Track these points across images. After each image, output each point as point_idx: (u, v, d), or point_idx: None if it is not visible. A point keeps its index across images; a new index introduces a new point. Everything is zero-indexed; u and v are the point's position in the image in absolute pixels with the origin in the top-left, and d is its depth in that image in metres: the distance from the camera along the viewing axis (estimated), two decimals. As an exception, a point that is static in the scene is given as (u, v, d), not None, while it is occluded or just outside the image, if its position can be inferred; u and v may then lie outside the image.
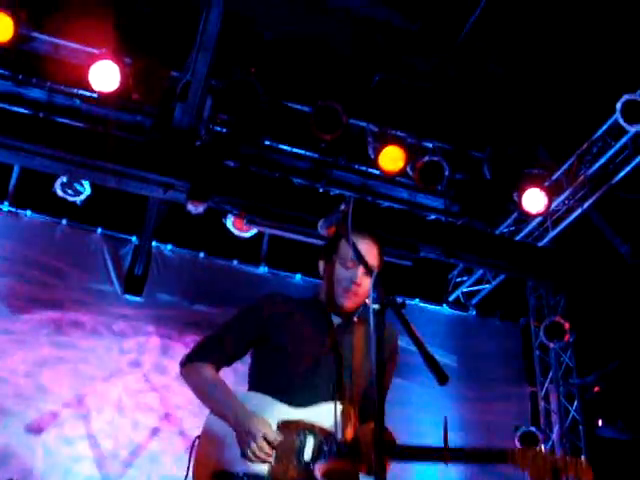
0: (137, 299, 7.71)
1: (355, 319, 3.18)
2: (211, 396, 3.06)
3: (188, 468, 2.94)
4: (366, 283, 3.03)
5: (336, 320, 3.15)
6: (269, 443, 2.84)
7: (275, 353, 3.10)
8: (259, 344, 3.16)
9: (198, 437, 3.02)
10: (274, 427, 2.90)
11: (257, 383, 3.11)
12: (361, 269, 3.02)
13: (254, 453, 2.83)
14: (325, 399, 2.95)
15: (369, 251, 3.09)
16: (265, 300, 3.22)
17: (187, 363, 3.16)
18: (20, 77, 6.88)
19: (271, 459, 2.84)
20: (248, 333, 3.16)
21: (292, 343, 3.07)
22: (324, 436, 2.87)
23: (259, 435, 2.83)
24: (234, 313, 3.24)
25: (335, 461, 2.84)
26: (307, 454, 2.84)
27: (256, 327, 3.15)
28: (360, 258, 2.82)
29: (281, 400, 2.97)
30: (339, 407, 2.92)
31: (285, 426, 2.90)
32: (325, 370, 3.03)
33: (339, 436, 2.87)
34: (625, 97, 6.77)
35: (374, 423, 2.29)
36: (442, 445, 2.82)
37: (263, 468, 2.83)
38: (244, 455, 2.85)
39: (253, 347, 3.19)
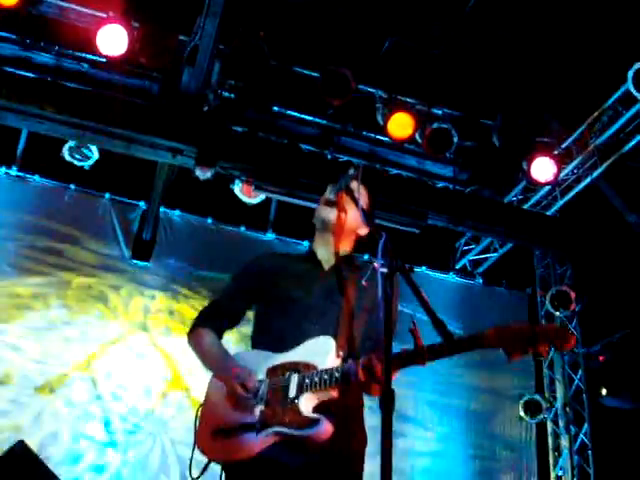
0: (145, 264, 7.75)
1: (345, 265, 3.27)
2: (209, 359, 3.21)
3: (195, 435, 3.05)
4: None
5: (328, 265, 3.28)
6: (245, 388, 2.93)
7: (269, 307, 3.24)
8: (257, 302, 3.31)
9: (201, 405, 3.15)
10: (263, 375, 3.00)
11: (254, 341, 3.26)
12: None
13: (237, 402, 2.95)
14: (311, 338, 3.03)
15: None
16: (256, 260, 3.42)
17: (191, 331, 3.33)
18: (28, 41, 6.84)
19: (255, 404, 2.93)
20: (243, 294, 3.33)
21: (283, 293, 3.21)
22: (307, 371, 2.93)
23: (237, 385, 2.94)
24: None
25: (317, 391, 2.88)
26: (292, 391, 2.91)
27: (249, 287, 3.32)
28: (369, 221, 2.84)
29: (271, 349, 3.09)
30: (325, 340, 2.99)
31: (272, 371, 3.01)
32: (314, 311, 3.13)
33: (324, 367, 2.90)
34: (637, 65, 6.70)
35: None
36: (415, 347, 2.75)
37: (255, 415, 2.93)
38: (234, 408, 2.97)
39: (254, 305, 3.32)
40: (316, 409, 2.90)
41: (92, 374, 7.14)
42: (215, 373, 3.17)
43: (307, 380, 2.90)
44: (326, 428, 2.84)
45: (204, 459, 3.04)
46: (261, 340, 3.21)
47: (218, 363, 3.15)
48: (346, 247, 3.32)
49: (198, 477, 2.99)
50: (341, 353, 2.96)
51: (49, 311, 7.26)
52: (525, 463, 8.29)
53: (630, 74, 6.72)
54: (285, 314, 3.16)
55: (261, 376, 3.02)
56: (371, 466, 2.84)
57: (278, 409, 2.91)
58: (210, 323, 3.30)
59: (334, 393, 2.90)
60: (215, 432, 3.00)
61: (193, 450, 3.02)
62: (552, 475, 8.21)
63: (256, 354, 3.15)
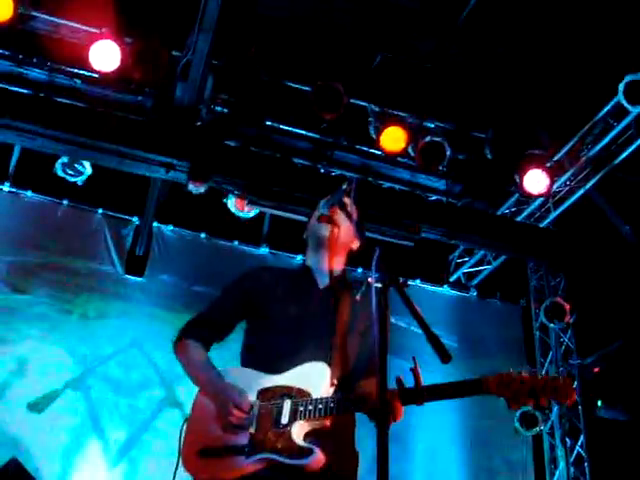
0: (138, 279, 7.72)
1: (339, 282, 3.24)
2: (196, 372, 3.15)
3: (179, 452, 2.99)
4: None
5: (322, 284, 3.22)
6: (241, 410, 2.88)
7: (260, 324, 3.17)
8: (247, 317, 3.24)
9: (186, 420, 3.07)
10: (254, 397, 2.94)
11: (243, 358, 3.18)
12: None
13: (228, 423, 2.89)
14: (306, 362, 2.97)
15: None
16: (248, 274, 3.35)
17: (177, 341, 3.26)
18: (20, 57, 6.83)
19: (246, 426, 2.88)
20: (233, 308, 3.26)
21: (275, 311, 3.14)
22: (300, 397, 2.88)
23: (230, 404, 2.88)
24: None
25: (310, 420, 2.84)
26: (284, 417, 2.86)
27: (240, 301, 3.25)
28: (363, 235, 2.85)
29: (262, 370, 3.01)
30: (320, 367, 2.94)
31: (264, 393, 2.94)
32: (306, 333, 3.07)
33: (317, 395, 2.87)
34: (628, 78, 6.74)
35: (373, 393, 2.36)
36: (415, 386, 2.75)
37: (244, 438, 2.87)
38: (224, 428, 2.91)
39: (245, 321, 3.25)
40: (307, 436, 2.85)
41: (85, 390, 7.10)
42: (203, 389, 3.10)
43: (301, 408, 2.85)
44: (319, 458, 2.79)
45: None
46: (251, 358, 3.14)
47: (207, 379, 3.09)
48: (339, 264, 3.29)
49: None
50: (335, 381, 2.92)
51: (40, 327, 7.21)
52: (521, 476, 8.25)
53: (621, 86, 6.76)
54: (277, 333, 3.10)
55: (252, 397, 2.95)
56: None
57: (269, 434, 2.85)
58: (197, 335, 3.23)
59: (327, 422, 2.86)
60: (201, 451, 2.93)
61: (177, 465, 2.97)
62: (548, 488, 8.19)
63: (245, 373, 3.07)
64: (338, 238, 3.21)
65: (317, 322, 3.10)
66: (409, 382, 2.78)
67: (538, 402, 2.68)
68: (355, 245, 3.28)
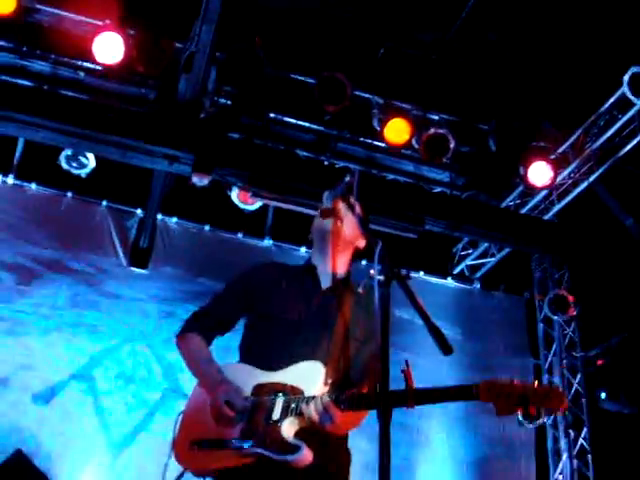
0: (142, 272, 7.73)
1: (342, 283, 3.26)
2: (196, 366, 3.19)
3: (172, 443, 3.05)
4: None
5: (325, 284, 3.23)
6: (232, 407, 2.92)
7: (260, 321, 3.20)
8: (248, 313, 3.26)
9: (181, 412, 3.13)
10: (249, 392, 2.98)
11: (242, 353, 3.21)
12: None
13: (221, 417, 2.93)
14: (302, 361, 3.01)
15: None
16: (252, 270, 3.37)
17: (179, 334, 3.28)
18: (24, 49, 6.83)
19: (238, 420, 2.92)
20: (235, 303, 3.30)
21: (276, 309, 3.17)
22: (294, 395, 2.91)
23: (222, 401, 2.92)
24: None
25: (300, 417, 2.87)
26: (276, 413, 2.90)
27: (243, 296, 3.28)
28: (366, 227, 2.85)
29: (259, 366, 3.06)
30: (315, 366, 2.97)
31: (259, 389, 3.00)
32: (306, 333, 3.09)
33: (310, 393, 2.89)
34: (633, 69, 6.72)
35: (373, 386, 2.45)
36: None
37: (235, 431, 2.93)
38: (216, 421, 2.96)
39: (245, 316, 3.28)
40: (298, 434, 2.88)
41: (91, 382, 7.12)
42: (200, 382, 3.16)
43: (292, 404, 2.89)
44: (305, 456, 2.83)
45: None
46: (250, 354, 3.18)
47: (205, 373, 3.14)
48: (344, 264, 3.28)
49: None
50: (329, 380, 2.95)
51: (46, 319, 7.24)
52: (524, 467, 8.27)
53: (626, 78, 6.73)
54: (277, 331, 3.13)
55: (247, 392, 3.00)
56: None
57: (260, 429, 2.90)
58: (200, 328, 3.27)
59: (306, 420, 2.88)
60: (193, 442, 2.99)
61: (169, 455, 3.03)
62: (551, 479, 8.20)
63: (243, 368, 3.11)
64: (341, 233, 3.20)
65: (317, 323, 3.12)
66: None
67: (527, 410, 2.68)
68: (361, 244, 3.26)
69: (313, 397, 2.87)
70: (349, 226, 3.18)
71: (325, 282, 3.25)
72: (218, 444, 2.93)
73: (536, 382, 2.74)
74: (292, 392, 2.93)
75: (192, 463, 2.99)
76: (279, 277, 3.30)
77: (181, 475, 3.05)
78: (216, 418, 2.97)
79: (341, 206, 3.15)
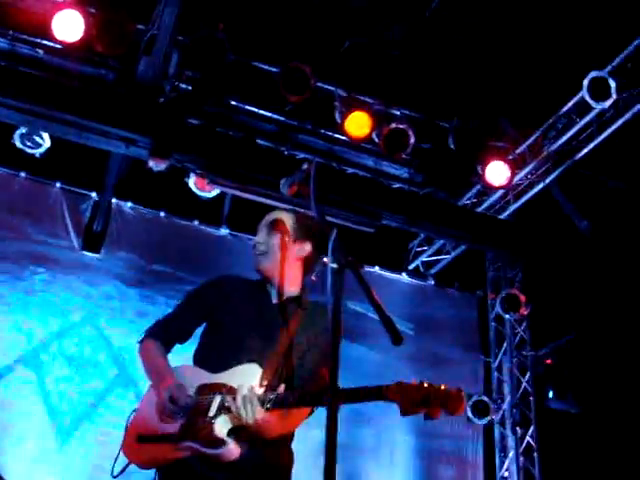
0: (95, 256, 7.61)
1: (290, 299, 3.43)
2: (150, 370, 3.41)
3: (123, 437, 3.28)
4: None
5: (275, 300, 3.43)
6: (175, 402, 3.10)
7: (212, 329, 3.44)
8: (205, 322, 3.50)
9: (134, 410, 3.36)
10: (193, 391, 3.18)
11: (195, 356, 3.43)
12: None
13: (162, 413, 3.15)
14: (241, 364, 3.19)
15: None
16: (209, 285, 3.58)
17: (141, 341, 3.52)
18: (-19, 25, 6.66)
19: (179, 417, 3.11)
20: (192, 316, 3.52)
21: (227, 319, 3.37)
22: (229, 394, 3.07)
23: (165, 396, 3.12)
24: (184, 295, 3.64)
25: (230, 415, 3.03)
26: (212, 411, 3.07)
27: (199, 310, 3.51)
28: (321, 216, 2.83)
29: (206, 369, 3.26)
30: (252, 368, 3.15)
31: (201, 389, 3.18)
32: (249, 342, 3.27)
33: (243, 393, 3.02)
34: (593, 74, 6.79)
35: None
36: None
37: (175, 426, 3.11)
38: (160, 418, 3.18)
39: (201, 325, 3.51)
40: (233, 431, 3.04)
41: (37, 367, 7.00)
42: (152, 381, 3.35)
43: (226, 403, 3.04)
44: (231, 451, 3.01)
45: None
46: (201, 358, 3.38)
47: (157, 375, 3.32)
48: (293, 280, 3.44)
49: (116, 476, 3.22)
50: (265, 382, 3.09)
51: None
52: (471, 463, 8.36)
53: (585, 82, 6.80)
54: (225, 338, 3.33)
55: (191, 392, 3.17)
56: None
57: (196, 425, 3.07)
58: (159, 336, 3.48)
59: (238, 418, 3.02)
60: (138, 437, 3.20)
61: (119, 451, 3.23)
62: (498, 476, 8.30)
63: (193, 370, 3.31)
64: (287, 248, 3.39)
65: (261, 334, 3.30)
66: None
67: (429, 411, 2.77)
68: (306, 251, 3.44)
69: (245, 396, 3.01)
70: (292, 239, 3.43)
71: (275, 297, 3.43)
72: (159, 438, 3.13)
73: (443, 385, 2.80)
74: (229, 392, 3.08)
75: (136, 456, 3.20)
76: (233, 290, 3.49)
77: (125, 467, 3.23)
78: (159, 413, 3.17)
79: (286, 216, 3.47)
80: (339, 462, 2.12)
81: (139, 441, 3.18)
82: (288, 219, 3.46)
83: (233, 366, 3.17)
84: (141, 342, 3.49)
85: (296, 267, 3.44)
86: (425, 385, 2.79)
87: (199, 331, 3.52)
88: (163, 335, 3.48)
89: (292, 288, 3.42)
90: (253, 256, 3.46)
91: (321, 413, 2.96)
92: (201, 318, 3.49)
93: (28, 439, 6.73)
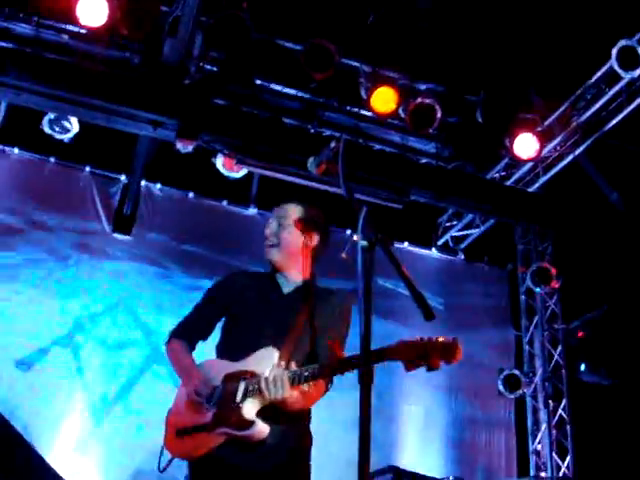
0: (126, 238, 7.68)
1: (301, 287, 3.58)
2: (178, 369, 3.59)
3: (164, 434, 3.45)
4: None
5: (286, 289, 3.58)
6: (200, 395, 3.30)
7: (230, 323, 3.61)
8: (225, 315, 3.66)
9: (169, 410, 3.52)
10: (219, 382, 3.35)
11: (217, 350, 3.61)
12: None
13: (193, 405, 3.33)
14: (259, 349, 3.37)
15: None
16: (222, 283, 3.77)
17: (167, 342, 3.70)
18: (6, 11, 6.69)
19: (210, 407, 3.29)
20: (211, 314, 3.70)
21: (243, 312, 3.55)
22: (252, 378, 3.25)
23: (191, 390, 3.34)
24: (205, 291, 3.78)
25: (258, 397, 3.21)
26: (239, 397, 3.25)
27: (216, 308, 3.69)
28: (350, 194, 2.83)
29: (229, 359, 3.44)
30: (269, 351, 3.31)
31: (228, 378, 3.35)
32: (265, 331, 3.43)
33: (265, 375, 3.19)
34: (621, 43, 6.68)
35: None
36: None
37: (208, 416, 3.29)
38: (193, 411, 3.35)
39: (221, 319, 3.69)
40: (260, 413, 3.22)
41: (74, 347, 7.11)
42: (181, 380, 3.54)
43: (251, 387, 3.23)
44: (259, 429, 3.19)
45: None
46: (224, 350, 3.56)
47: (184, 373, 3.52)
48: (304, 270, 3.60)
49: (163, 470, 3.38)
50: (282, 363, 3.24)
51: (29, 285, 7.20)
52: (504, 437, 8.37)
53: (614, 52, 6.70)
54: (243, 329, 3.51)
55: (218, 383, 3.35)
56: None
57: (226, 412, 3.25)
58: (183, 335, 3.66)
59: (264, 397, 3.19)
60: (177, 432, 3.38)
61: (162, 449, 3.41)
62: (530, 449, 8.31)
63: (218, 363, 3.50)
64: (293, 242, 3.57)
65: (275, 321, 3.46)
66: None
67: (429, 363, 2.91)
68: (313, 241, 3.59)
69: (266, 377, 3.19)
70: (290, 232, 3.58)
71: (286, 288, 3.59)
72: (195, 429, 3.30)
73: (441, 338, 2.97)
74: (251, 376, 3.26)
75: (178, 450, 3.39)
76: (247, 285, 3.65)
77: (169, 462, 3.41)
78: (192, 408, 3.35)
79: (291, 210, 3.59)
80: (374, 426, 2.16)
81: (178, 435, 3.36)
82: (297, 211, 3.60)
83: (252, 353, 3.35)
84: (167, 343, 3.68)
85: (305, 257, 3.59)
86: (422, 340, 2.97)
87: (219, 326, 3.70)
88: (187, 335, 3.66)
89: (301, 277, 3.59)
90: (265, 247, 3.63)
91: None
92: (219, 315, 3.67)
93: (64, 419, 6.87)
